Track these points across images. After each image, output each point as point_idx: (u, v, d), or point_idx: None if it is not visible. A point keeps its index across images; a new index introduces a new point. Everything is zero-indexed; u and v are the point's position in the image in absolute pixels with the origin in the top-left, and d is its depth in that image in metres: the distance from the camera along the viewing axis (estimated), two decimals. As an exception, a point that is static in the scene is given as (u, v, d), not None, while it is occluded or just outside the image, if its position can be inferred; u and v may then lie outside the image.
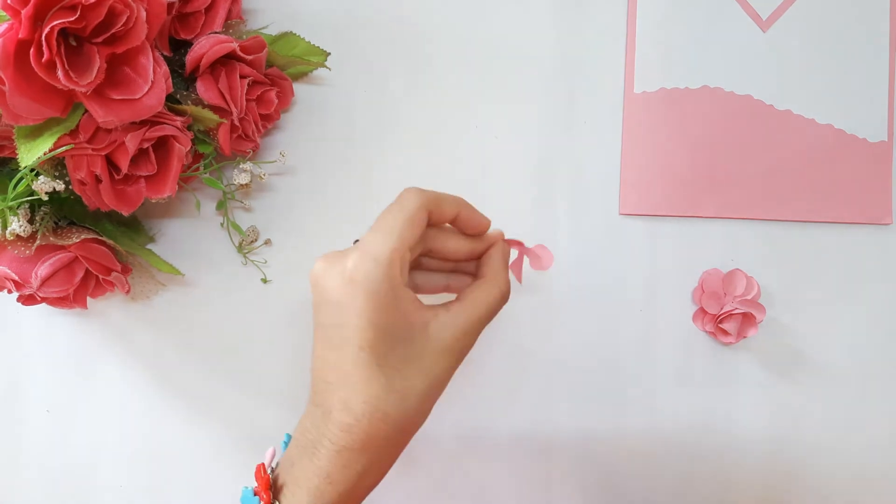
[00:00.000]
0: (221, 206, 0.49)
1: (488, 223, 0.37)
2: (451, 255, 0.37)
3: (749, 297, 0.49)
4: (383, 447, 0.33)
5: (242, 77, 0.43)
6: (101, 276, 0.43)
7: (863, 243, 0.51)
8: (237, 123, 0.44)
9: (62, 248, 0.41)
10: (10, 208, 0.40)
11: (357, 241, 0.36)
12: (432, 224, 0.36)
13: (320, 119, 0.50)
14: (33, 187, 0.39)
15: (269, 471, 0.36)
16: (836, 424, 0.51)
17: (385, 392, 0.32)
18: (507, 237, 0.39)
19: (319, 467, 0.33)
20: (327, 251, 0.49)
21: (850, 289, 0.51)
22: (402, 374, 0.33)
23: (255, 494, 0.34)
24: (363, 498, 0.35)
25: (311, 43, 0.48)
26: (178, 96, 0.42)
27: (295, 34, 0.47)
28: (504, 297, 0.36)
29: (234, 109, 0.43)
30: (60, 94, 0.36)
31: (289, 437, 0.39)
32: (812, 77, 0.51)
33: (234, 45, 0.42)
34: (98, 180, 0.40)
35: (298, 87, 0.50)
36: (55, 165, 0.40)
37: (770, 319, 0.50)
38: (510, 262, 0.39)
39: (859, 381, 0.51)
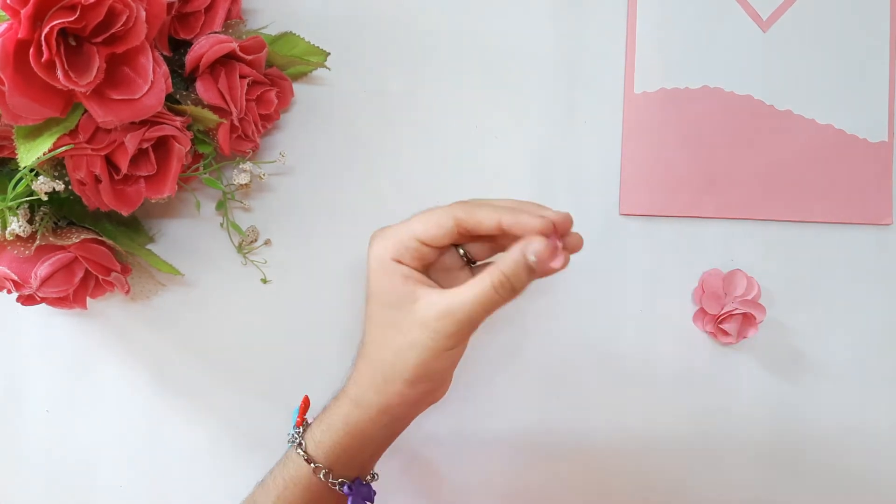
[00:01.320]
0: (221, 206, 0.49)
1: (536, 224, 0.36)
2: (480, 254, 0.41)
3: (749, 298, 0.49)
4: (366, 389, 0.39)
5: (242, 77, 0.43)
6: (100, 277, 0.43)
7: (863, 243, 0.51)
8: (237, 123, 0.44)
9: (62, 248, 0.41)
10: (10, 208, 0.40)
11: None
12: (472, 233, 0.37)
13: (320, 119, 0.50)
14: (33, 187, 0.39)
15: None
16: (836, 424, 0.51)
17: (368, 338, 0.39)
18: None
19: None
20: (327, 251, 0.50)
21: (850, 288, 0.51)
22: (385, 330, 0.38)
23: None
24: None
25: (311, 43, 0.48)
26: (178, 96, 0.42)
27: (295, 34, 0.47)
28: (497, 293, 0.36)
29: (233, 109, 0.43)
30: (60, 94, 0.36)
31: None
32: (812, 77, 0.51)
33: (234, 45, 0.42)
34: (98, 180, 0.40)
35: (298, 87, 0.50)
36: (55, 165, 0.40)
37: (770, 319, 0.50)
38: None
39: (859, 381, 0.51)
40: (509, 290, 0.36)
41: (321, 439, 0.40)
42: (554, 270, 0.36)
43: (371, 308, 0.39)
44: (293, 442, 0.41)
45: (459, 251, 0.40)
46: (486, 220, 0.36)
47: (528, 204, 0.38)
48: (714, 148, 0.51)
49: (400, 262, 0.37)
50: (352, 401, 0.39)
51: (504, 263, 0.35)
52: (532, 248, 0.35)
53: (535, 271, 0.35)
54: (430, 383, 0.38)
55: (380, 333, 0.38)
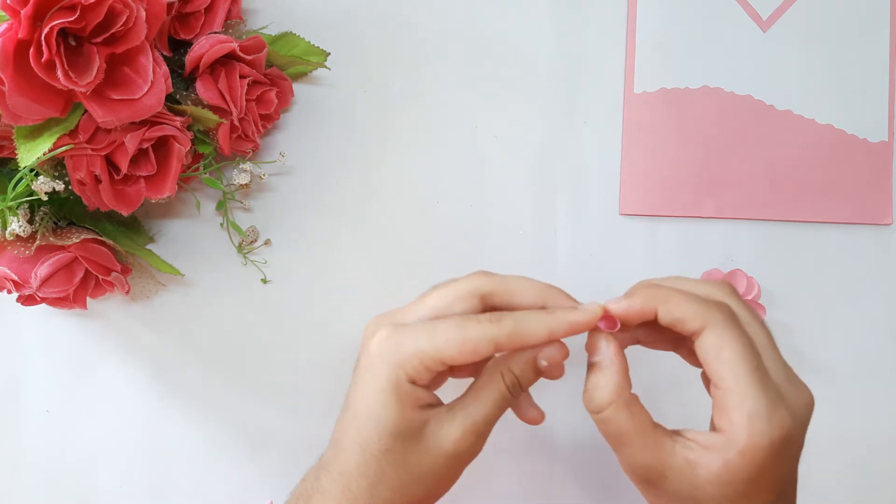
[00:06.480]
0: (221, 206, 0.49)
1: (587, 320, 0.33)
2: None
3: (749, 298, 0.49)
4: None
5: (242, 77, 0.43)
6: (100, 277, 0.43)
7: (863, 243, 0.51)
8: (237, 123, 0.44)
9: (62, 248, 0.41)
10: (10, 208, 0.40)
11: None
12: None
13: (320, 119, 0.50)
14: (33, 187, 0.39)
15: None
16: (835, 424, 0.51)
17: (358, 469, 0.32)
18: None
19: None
20: (327, 251, 0.50)
21: (850, 289, 0.51)
22: (384, 463, 0.32)
23: None
24: None
25: (311, 43, 0.48)
26: (178, 96, 0.42)
27: (295, 34, 0.47)
28: (511, 394, 0.34)
29: (233, 109, 0.43)
30: (60, 94, 0.36)
31: None
32: (812, 77, 0.51)
33: (234, 45, 0.42)
34: (98, 180, 0.40)
35: (298, 87, 0.50)
36: (55, 165, 0.40)
37: (770, 319, 0.50)
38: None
39: (859, 381, 0.51)
40: (519, 390, 0.34)
41: None
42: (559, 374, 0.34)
43: (366, 432, 0.32)
44: None
45: None
46: (534, 340, 0.32)
47: (558, 292, 0.34)
48: (714, 148, 0.51)
49: (415, 383, 0.32)
50: None
51: (515, 365, 0.33)
52: (546, 353, 0.33)
53: (542, 374, 0.34)
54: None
55: (376, 466, 0.32)
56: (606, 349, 0.33)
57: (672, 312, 0.32)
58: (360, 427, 0.32)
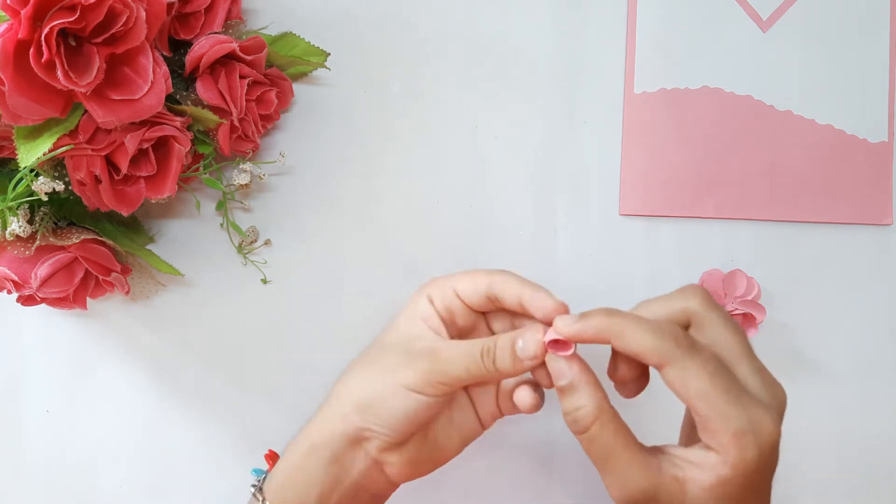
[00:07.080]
0: (221, 207, 0.49)
1: (551, 305, 0.35)
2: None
3: (749, 298, 0.49)
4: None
5: (242, 77, 0.43)
6: (100, 277, 0.43)
7: (863, 243, 0.51)
8: (237, 124, 0.44)
9: (62, 248, 0.41)
10: (10, 209, 0.40)
11: None
12: (498, 302, 0.36)
13: (320, 119, 0.50)
14: (33, 188, 0.39)
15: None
16: (836, 424, 0.51)
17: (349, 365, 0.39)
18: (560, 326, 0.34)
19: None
20: (327, 251, 0.50)
21: (850, 289, 0.51)
22: (365, 356, 0.38)
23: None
24: None
25: (311, 43, 0.48)
26: (178, 96, 0.42)
27: (295, 34, 0.47)
28: (481, 359, 0.34)
29: (233, 110, 0.43)
30: (60, 94, 0.36)
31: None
32: (812, 77, 0.51)
33: (234, 46, 0.42)
34: (98, 181, 0.40)
35: (298, 87, 0.50)
36: (55, 166, 0.40)
37: (770, 319, 0.50)
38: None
39: (859, 381, 0.51)
40: (490, 363, 0.34)
41: (274, 473, 0.37)
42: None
43: (378, 338, 0.39)
44: (256, 485, 0.39)
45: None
46: (509, 290, 0.35)
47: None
48: (714, 148, 0.51)
49: (431, 301, 0.37)
50: (302, 429, 0.37)
51: (500, 337, 0.35)
52: (526, 336, 0.34)
53: (519, 360, 0.34)
54: (377, 419, 0.34)
55: (359, 359, 0.38)
56: (570, 369, 0.33)
57: (628, 347, 0.32)
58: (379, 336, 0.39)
